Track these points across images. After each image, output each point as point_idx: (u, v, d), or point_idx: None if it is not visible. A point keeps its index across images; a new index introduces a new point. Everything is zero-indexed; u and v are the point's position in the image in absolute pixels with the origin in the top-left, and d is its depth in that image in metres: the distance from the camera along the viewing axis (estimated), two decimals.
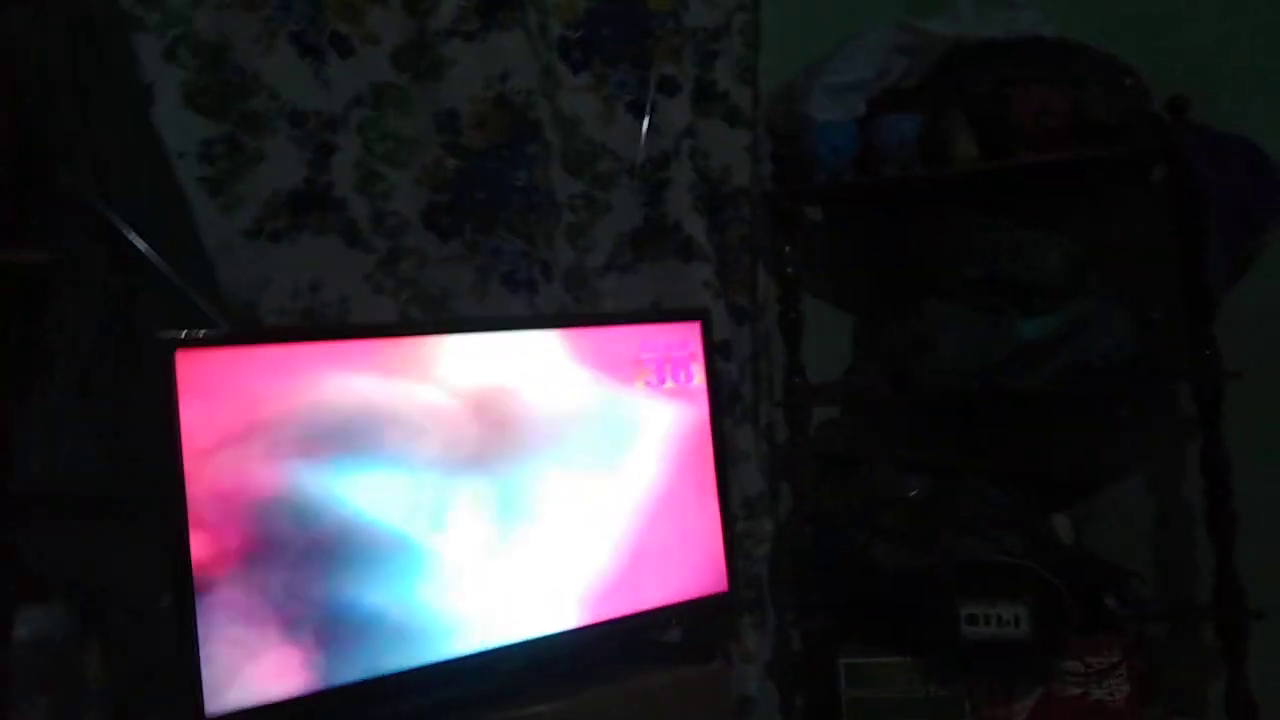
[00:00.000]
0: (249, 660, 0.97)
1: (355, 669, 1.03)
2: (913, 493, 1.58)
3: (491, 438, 1.12)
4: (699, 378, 1.28)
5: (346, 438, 1.04)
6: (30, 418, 1.03)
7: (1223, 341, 1.52)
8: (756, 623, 1.66)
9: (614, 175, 1.61)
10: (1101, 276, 1.62)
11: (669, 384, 1.24)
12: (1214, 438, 1.51)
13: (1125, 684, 1.50)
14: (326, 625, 1.02)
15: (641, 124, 1.59)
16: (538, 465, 1.15)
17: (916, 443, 1.66)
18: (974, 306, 1.58)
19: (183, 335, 0.99)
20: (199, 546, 0.95)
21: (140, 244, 1.12)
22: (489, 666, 1.12)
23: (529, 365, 1.17)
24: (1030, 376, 1.55)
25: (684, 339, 1.27)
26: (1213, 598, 1.52)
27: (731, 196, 1.69)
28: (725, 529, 1.28)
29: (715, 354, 1.35)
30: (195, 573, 0.95)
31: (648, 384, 1.23)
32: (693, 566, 1.24)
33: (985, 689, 1.50)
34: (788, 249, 1.64)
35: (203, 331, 1.08)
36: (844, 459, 1.65)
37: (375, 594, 1.04)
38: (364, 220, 1.42)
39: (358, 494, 1.04)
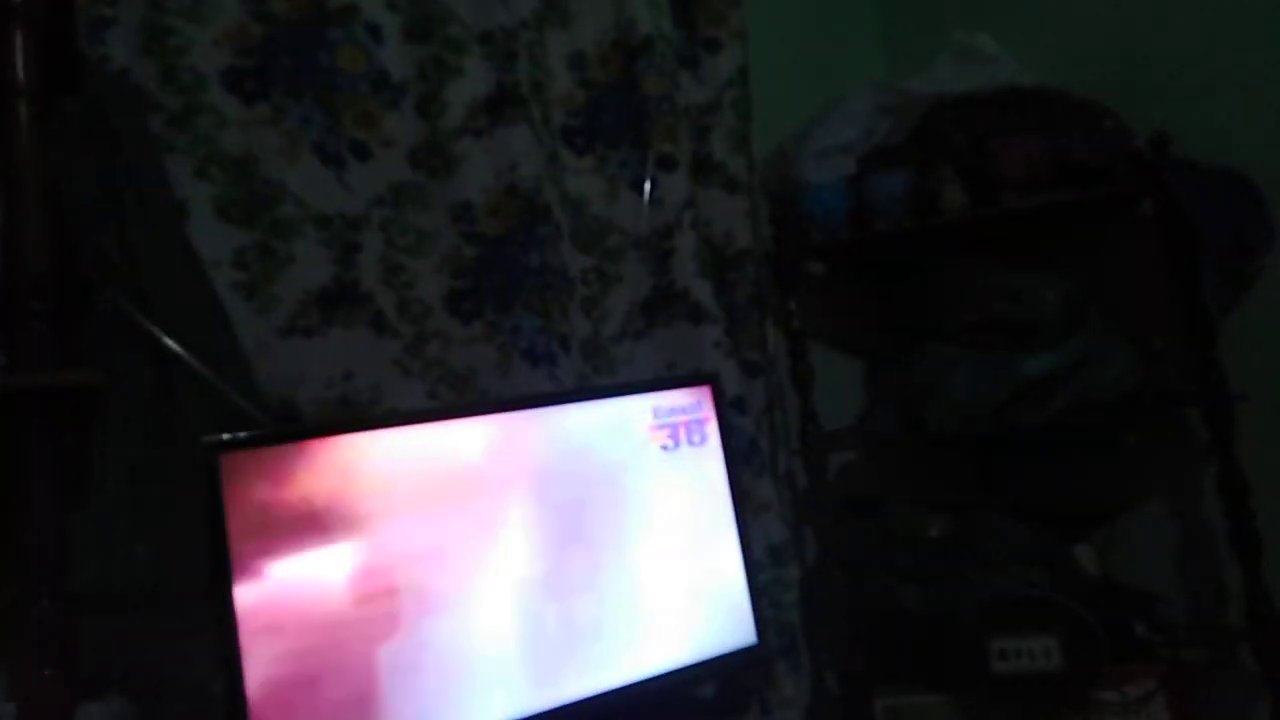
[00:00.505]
0: None
1: None
2: (933, 532, 1.62)
3: (521, 508, 1.19)
4: (714, 437, 1.34)
5: (388, 517, 1.11)
6: (83, 525, 1.10)
7: (1232, 363, 1.55)
8: (792, 668, 1.70)
9: (622, 249, 1.69)
10: (1101, 309, 1.67)
11: (684, 446, 1.31)
12: (1229, 461, 1.53)
13: (1164, 712, 1.51)
14: (374, 696, 1.08)
15: (643, 199, 1.68)
16: (567, 532, 1.21)
17: (933, 482, 1.70)
18: (976, 348, 1.64)
19: (225, 438, 1.08)
20: (248, 635, 1.02)
21: (180, 351, 1.20)
22: None
23: (552, 437, 1.24)
24: (1037, 412, 1.59)
25: (697, 401, 1.34)
26: (1246, 620, 1.53)
27: (735, 259, 1.77)
28: (749, 581, 1.32)
29: (727, 412, 1.42)
30: (244, 659, 1.02)
31: (664, 447, 1.29)
32: (722, 621, 1.29)
33: None
34: (792, 305, 1.71)
35: (244, 433, 1.17)
36: (863, 502, 1.69)
37: (419, 668, 1.10)
38: (390, 309, 1.51)
39: (399, 572, 1.11)
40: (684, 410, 1.32)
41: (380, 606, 1.09)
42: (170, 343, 1.19)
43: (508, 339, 1.57)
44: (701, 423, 1.33)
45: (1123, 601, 1.57)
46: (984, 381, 1.63)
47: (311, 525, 1.08)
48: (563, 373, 1.58)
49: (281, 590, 1.05)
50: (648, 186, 1.69)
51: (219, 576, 1.02)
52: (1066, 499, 1.70)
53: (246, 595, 1.03)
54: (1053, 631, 1.50)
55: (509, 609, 1.16)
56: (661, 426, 1.29)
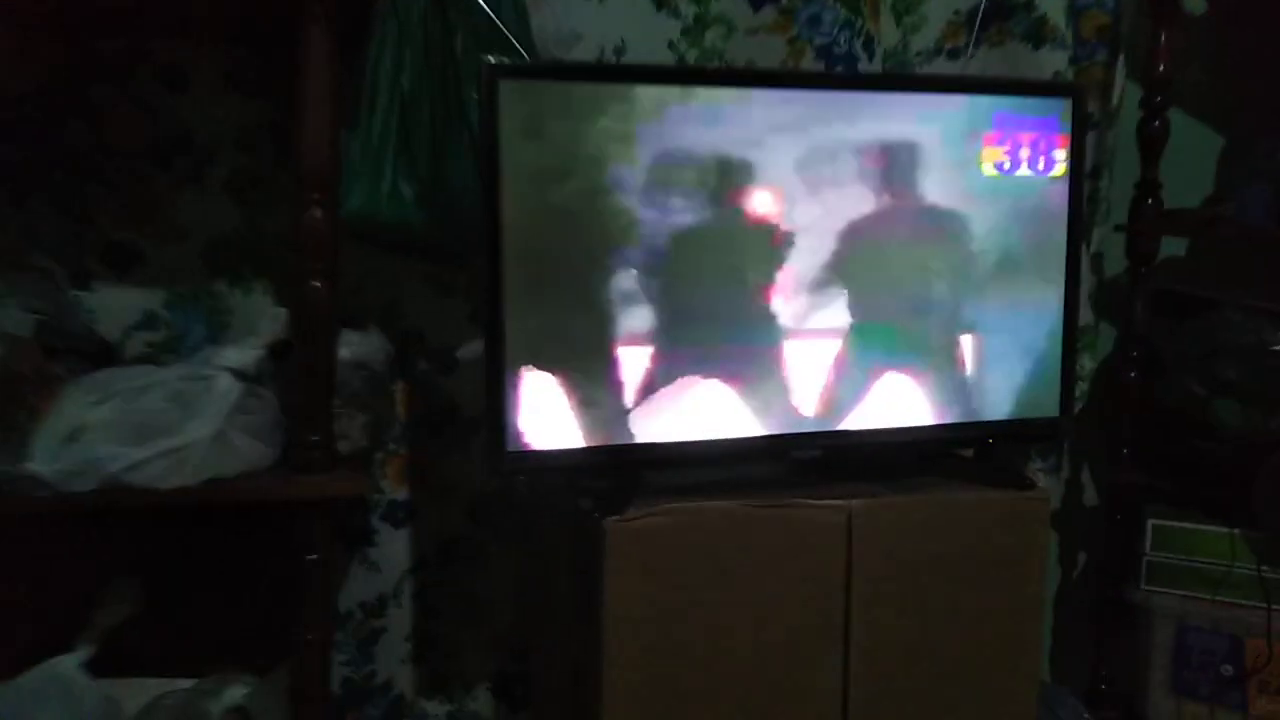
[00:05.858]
0: (548, 409, 0.96)
1: (657, 432, 0.99)
2: (1277, 346, 1.32)
3: (821, 210, 1.01)
4: (1060, 168, 1.08)
5: (668, 186, 0.97)
6: (352, 149, 1.04)
7: None
8: (1050, 469, 1.51)
9: None
10: None
11: (1024, 170, 1.06)
12: None
13: None
14: (625, 386, 0.99)
15: None
16: (872, 249, 1.03)
17: None
18: None
19: (508, 63, 0.95)
20: (511, 294, 0.93)
21: None
22: (784, 450, 1.06)
23: (859, 130, 1.02)
24: None
25: (1046, 119, 1.07)
26: None
27: None
28: (1067, 348, 1.10)
29: (1088, 137, 1.14)
30: (506, 319, 0.92)
31: (998, 166, 1.05)
32: (1026, 384, 1.09)
33: None
34: (1163, 40, 1.35)
35: (528, 62, 1.04)
36: (1191, 301, 1.40)
37: (688, 357, 0.99)
38: None
39: (682, 259, 0.98)
40: (1033, 125, 1.05)
41: (647, 281, 0.97)
42: None
43: (803, 30, 1.34)
44: (1051, 144, 1.06)
45: None
46: None
47: (582, 178, 0.95)
48: None
49: (548, 246, 0.94)
50: None
51: (489, 211, 0.91)
52: None
53: (513, 248, 0.92)
54: None
55: (795, 307, 1.02)
56: (1001, 141, 1.04)
